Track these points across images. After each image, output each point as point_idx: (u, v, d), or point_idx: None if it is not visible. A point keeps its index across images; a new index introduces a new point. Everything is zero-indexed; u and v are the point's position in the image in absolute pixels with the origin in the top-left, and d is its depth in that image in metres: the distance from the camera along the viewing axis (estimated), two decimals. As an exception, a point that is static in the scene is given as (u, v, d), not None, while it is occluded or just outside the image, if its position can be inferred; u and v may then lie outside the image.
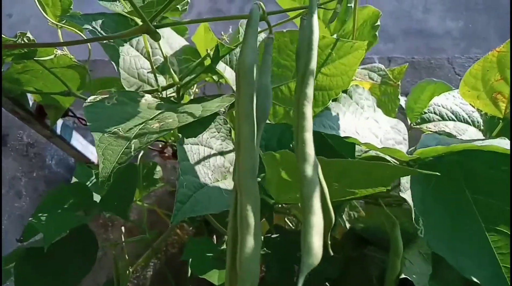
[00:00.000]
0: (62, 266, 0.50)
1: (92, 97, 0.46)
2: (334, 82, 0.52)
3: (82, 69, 0.66)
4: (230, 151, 0.45)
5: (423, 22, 1.33)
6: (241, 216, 0.27)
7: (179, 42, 0.66)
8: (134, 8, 0.38)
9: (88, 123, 0.41)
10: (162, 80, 0.58)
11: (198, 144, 0.42)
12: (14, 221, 1.01)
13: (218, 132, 0.45)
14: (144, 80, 0.56)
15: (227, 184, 0.42)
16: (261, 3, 0.35)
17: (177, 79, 0.52)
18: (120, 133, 0.40)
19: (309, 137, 0.30)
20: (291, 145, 0.50)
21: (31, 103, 0.77)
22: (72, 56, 0.63)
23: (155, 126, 0.40)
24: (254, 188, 0.28)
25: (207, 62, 0.49)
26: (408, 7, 1.36)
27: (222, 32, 0.72)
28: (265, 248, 0.62)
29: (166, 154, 0.83)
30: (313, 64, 0.33)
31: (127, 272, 0.67)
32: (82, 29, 0.62)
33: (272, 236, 0.68)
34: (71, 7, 0.62)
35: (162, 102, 0.49)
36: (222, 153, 0.44)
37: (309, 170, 0.29)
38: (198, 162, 0.41)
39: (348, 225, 0.82)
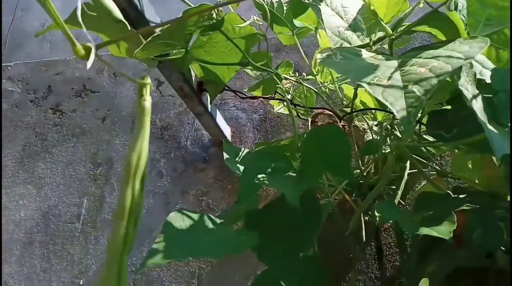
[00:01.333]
0: (289, 227, 0.51)
1: (319, 55, 0.46)
2: None
3: (258, 39, 0.66)
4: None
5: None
6: None
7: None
8: None
9: (342, 74, 0.40)
10: (355, 38, 0.57)
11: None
12: (158, 200, 1.06)
13: (468, 76, 0.43)
14: (344, 38, 0.55)
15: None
16: None
17: (390, 31, 0.50)
18: (384, 82, 0.39)
19: None
20: None
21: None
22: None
23: (421, 70, 0.39)
24: None
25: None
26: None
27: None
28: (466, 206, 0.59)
29: (319, 123, 0.82)
30: None
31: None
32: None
33: (460, 196, 0.65)
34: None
35: (384, 54, 0.48)
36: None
37: None
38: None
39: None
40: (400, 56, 0.48)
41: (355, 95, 0.69)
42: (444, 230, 0.51)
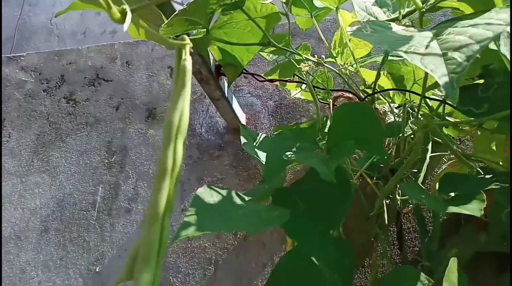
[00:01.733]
0: (318, 203, 0.50)
1: (349, 28, 0.45)
2: None
3: (278, 18, 0.65)
4: None
5: None
6: None
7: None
8: None
9: (376, 44, 0.39)
10: (382, 14, 0.56)
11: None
12: (173, 187, 1.06)
13: (505, 45, 0.42)
14: (371, 13, 0.54)
15: None
16: None
17: (420, 4, 0.49)
18: (422, 51, 0.38)
19: None
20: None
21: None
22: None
23: (460, 38, 0.38)
24: None
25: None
26: None
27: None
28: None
29: (337, 105, 0.81)
30: None
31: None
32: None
33: (486, 176, 0.64)
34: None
35: (415, 27, 0.47)
36: None
37: None
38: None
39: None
40: (431, 29, 0.47)
41: (378, 75, 0.68)
42: (474, 208, 0.51)
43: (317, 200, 0.50)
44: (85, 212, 1.09)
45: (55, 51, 1.32)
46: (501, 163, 0.74)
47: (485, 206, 0.52)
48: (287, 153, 0.51)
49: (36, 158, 1.18)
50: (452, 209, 0.52)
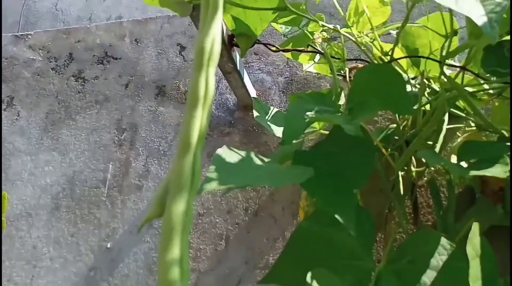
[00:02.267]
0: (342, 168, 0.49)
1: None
2: None
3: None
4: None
5: None
6: None
7: None
8: None
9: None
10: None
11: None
12: (183, 164, 1.06)
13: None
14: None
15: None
16: None
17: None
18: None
19: None
20: None
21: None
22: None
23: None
24: None
25: None
26: None
27: None
28: None
29: (351, 78, 0.80)
30: None
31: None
32: None
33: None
34: None
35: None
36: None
37: None
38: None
39: None
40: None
41: (396, 41, 0.66)
42: (498, 171, 0.50)
43: (339, 162, 0.49)
44: (95, 190, 1.09)
45: (63, 29, 1.31)
46: (520, 133, 0.73)
47: (509, 169, 0.51)
48: (308, 113, 0.50)
49: (46, 136, 1.18)
50: (475, 172, 0.51)
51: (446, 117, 0.75)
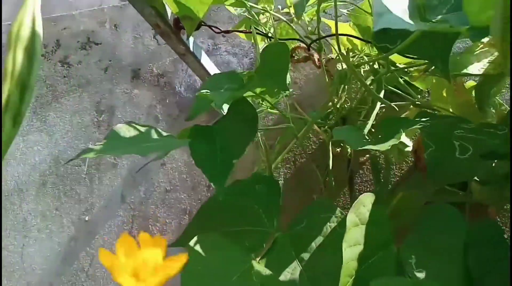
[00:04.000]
0: (227, 137, 0.53)
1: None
2: None
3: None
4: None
5: None
6: None
7: None
8: None
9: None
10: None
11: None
12: (155, 144, 1.12)
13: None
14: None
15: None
16: None
17: None
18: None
19: None
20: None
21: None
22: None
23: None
24: None
25: None
26: None
27: None
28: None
29: (295, 58, 0.82)
30: None
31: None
32: None
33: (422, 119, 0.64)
34: None
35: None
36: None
37: None
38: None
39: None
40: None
41: (319, 19, 0.68)
42: (383, 145, 0.52)
43: (229, 135, 0.53)
44: (77, 167, 1.17)
45: (52, 17, 1.38)
46: (451, 110, 0.73)
47: (396, 142, 0.53)
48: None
49: (36, 118, 1.27)
50: (365, 146, 0.54)
51: (382, 94, 0.76)
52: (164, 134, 0.54)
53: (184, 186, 1.06)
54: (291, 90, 0.97)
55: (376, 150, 0.77)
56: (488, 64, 0.58)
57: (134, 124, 0.53)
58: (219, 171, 0.48)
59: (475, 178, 0.76)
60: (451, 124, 0.62)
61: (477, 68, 0.58)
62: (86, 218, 1.11)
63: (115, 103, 1.20)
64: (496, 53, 0.58)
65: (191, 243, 0.48)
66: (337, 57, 0.75)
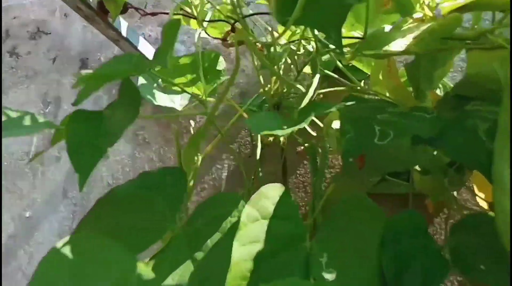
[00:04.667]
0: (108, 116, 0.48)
1: None
2: None
3: None
4: None
5: None
6: None
7: None
8: None
9: None
10: None
11: None
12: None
13: None
14: None
15: None
16: None
17: None
18: None
19: None
20: None
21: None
22: None
23: None
24: None
25: None
26: None
27: None
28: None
29: (229, 41, 0.77)
30: None
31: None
32: None
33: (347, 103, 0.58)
34: None
35: None
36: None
37: None
38: None
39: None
40: None
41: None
42: (283, 131, 0.47)
43: (112, 121, 0.48)
44: (20, 161, 1.12)
45: (4, 6, 1.33)
46: (387, 94, 0.68)
47: (302, 127, 0.48)
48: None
49: (-18, 111, 1.21)
50: (265, 132, 0.48)
51: (316, 79, 0.71)
52: (42, 120, 0.49)
53: (127, 180, 1.00)
54: (237, 78, 0.91)
55: (297, 137, 0.72)
56: (412, 40, 0.52)
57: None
58: (86, 161, 0.43)
59: (416, 167, 0.71)
60: (376, 108, 0.57)
61: (399, 44, 0.52)
62: (27, 214, 1.05)
63: (62, 94, 1.14)
64: (422, 28, 0.53)
65: (58, 244, 0.43)
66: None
